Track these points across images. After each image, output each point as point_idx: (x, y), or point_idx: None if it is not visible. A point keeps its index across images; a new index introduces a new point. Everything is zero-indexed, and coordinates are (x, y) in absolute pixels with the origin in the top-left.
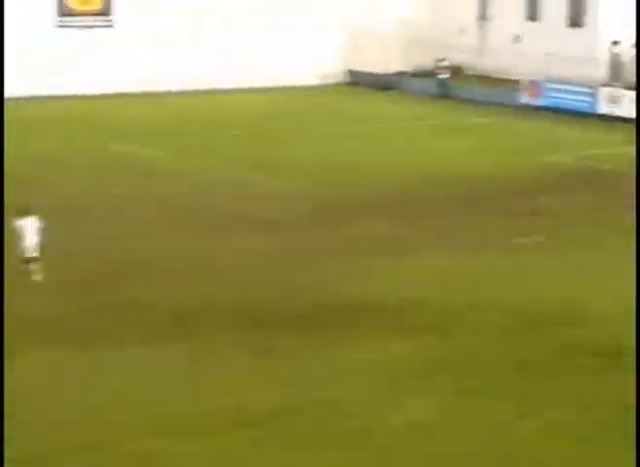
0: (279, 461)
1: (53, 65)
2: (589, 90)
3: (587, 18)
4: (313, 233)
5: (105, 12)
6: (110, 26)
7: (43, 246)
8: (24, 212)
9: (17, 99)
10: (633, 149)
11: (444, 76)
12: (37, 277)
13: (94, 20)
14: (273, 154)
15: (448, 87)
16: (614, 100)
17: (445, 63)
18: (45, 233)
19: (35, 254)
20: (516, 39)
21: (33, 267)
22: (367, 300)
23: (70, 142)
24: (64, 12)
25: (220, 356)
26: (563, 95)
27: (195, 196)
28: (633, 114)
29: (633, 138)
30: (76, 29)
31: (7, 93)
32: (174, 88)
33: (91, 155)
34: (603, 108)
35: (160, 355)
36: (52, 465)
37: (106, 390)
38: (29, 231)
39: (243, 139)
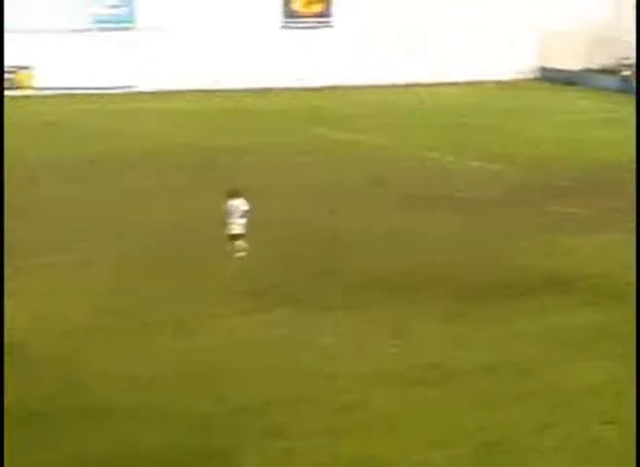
0: (463, 415)
1: (276, 63)
2: None
3: None
4: (505, 213)
5: (326, 14)
6: (330, 27)
7: (250, 224)
8: (234, 194)
9: (234, 91)
10: None
11: (627, 73)
12: (240, 254)
13: (316, 22)
14: (473, 140)
15: (631, 83)
16: None
17: (629, 61)
18: (250, 214)
19: (239, 231)
20: None
21: (238, 243)
22: (551, 273)
23: (291, 129)
24: (289, 14)
25: (415, 319)
26: None
27: (401, 178)
28: None
29: None
30: (299, 30)
31: (234, 86)
32: (385, 81)
33: (310, 141)
34: None
35: (363, 318)
36: (268, 415)
37: (316, 348)
38: (237, 210)
39: (446, 128)
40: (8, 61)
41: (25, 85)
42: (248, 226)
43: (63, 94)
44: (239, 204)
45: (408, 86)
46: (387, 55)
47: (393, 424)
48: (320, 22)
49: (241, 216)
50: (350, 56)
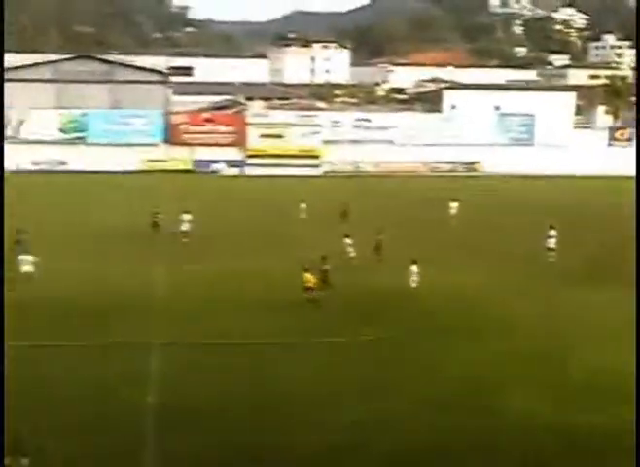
0: None
1: (603, 167)
2: None
3: None
4: None
5: (630, 139)
6: (631, 146)
7: (569, 242)
8: (551, 227)
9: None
10: None
11: None
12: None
13: (628, 144)
14: None
15: None
16: None
17: None
18: (556, 237)
19: (551, 246)
20: None
21: (551, 253)
22: None
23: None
24: (612, 138)
25: None
26: None
27: None
28: None
29: None
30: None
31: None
32: None
33: None
34: None
35: (605, 296)
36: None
37: (615, 315)
38: (550, 235)
39: None
40: (462, 158)
41: (478, 170)
42: (566, 243)
43: (500, 176)
44: (552, 231)
45: None
46: None
47: None
48: (629, 144)
49: (551, 238)
50: None
